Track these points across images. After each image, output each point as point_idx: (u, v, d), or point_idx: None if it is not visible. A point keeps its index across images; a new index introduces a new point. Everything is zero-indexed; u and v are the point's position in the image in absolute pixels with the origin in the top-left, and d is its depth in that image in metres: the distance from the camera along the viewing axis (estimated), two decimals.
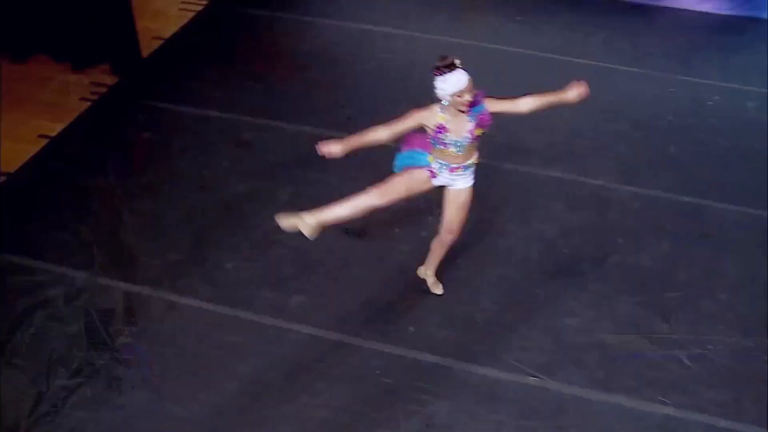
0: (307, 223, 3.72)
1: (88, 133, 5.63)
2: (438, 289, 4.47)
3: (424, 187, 3.95)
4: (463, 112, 3.68)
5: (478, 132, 3.78)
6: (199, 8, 7.41)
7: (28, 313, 4.13)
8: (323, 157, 3.81)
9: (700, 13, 7.80)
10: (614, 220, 5.11)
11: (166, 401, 3.78)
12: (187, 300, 4.35)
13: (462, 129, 3.72)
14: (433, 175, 3.90)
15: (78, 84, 6.01)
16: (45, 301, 4.21)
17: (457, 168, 3.85)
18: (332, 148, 3.77)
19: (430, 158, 3.87)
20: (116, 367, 3.92)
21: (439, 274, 4.47)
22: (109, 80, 6.21)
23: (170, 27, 7.05)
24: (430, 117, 3.72)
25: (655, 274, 4.69)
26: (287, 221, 3.74)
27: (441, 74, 3.59)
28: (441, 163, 3.85)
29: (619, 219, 5.12)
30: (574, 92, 3.84)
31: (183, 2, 7.49)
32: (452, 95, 3.61)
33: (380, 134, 3.76)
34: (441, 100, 3.69)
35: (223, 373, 3.95)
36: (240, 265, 4.62)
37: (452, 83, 3.58)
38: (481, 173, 4.00)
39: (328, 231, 4.51)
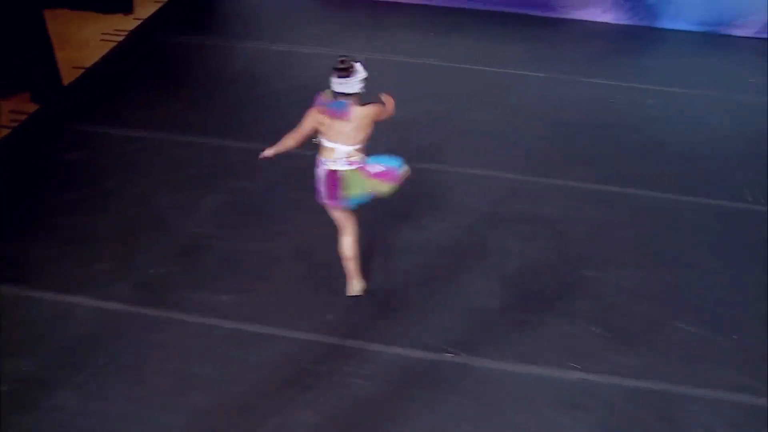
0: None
1: (12, 157, 5.63)
2: (361, 285, 4.62)
3: None
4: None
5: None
6: (121, 38, 7.50)
7: None
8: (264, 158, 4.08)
9: (602, 23, 8.30)
10: (527, 209, 5.37)
11: (95, 399, 3.81)
12: (113, 305, 4.38)
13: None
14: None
15: None
16: None
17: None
18: (266, 152, 4.07)
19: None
20: (45, 371, 3.94)
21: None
22: (30, 108, 6.22)
23: (92, 56, 7.11)
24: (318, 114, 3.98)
25: (568, 255, 4.94)
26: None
27: (348, 73, 3.85)
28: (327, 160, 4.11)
29: (532, 208, 5.39)
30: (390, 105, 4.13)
31: (104, 33, 7.57)
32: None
33: (289, 140, 4.05)
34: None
35: (152, 370, 4.00)
36: (168, 270, 4.69)
37: (361, 73, 3.89)
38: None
39: (252, 234, 4.72)
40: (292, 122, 4.05)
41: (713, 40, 8.00)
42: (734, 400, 4.00)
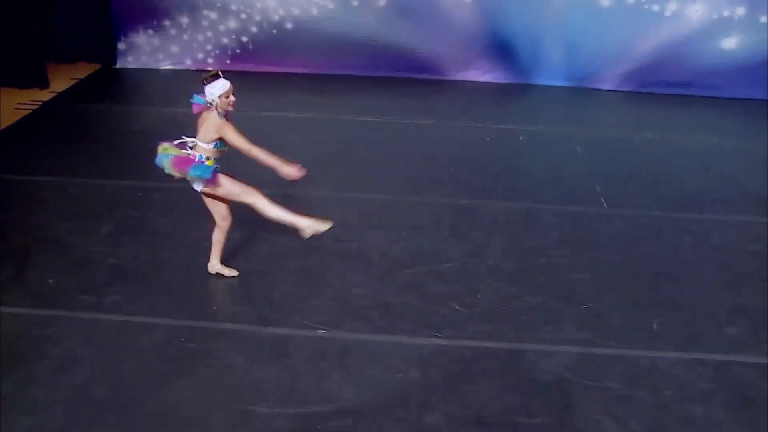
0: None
1: None
2: (232, 272, 5.08)
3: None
4: (230, 111, 4.53)
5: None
6: (34, 108, 8.04)
7: None
8: None
9: (483, 82, 9.24)
10: (399, 219, 5.93)
11: None
12: (9, 309, 4.68)
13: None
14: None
15: None
16: None
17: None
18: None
19: (209, 163, 4.68)
20: None
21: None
22: None
23: (5, 122, 7.59)
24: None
25: (431, 253, 5.49)
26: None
27: (208, 83, 4.45)
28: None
29: (404, 219, 5.95)
30: (288, 170, 4.70)
31: (20, 103, 8.10)
32: (220, 97, 4.45)
33: None
34: (213, 106, 4.52)
35: (36, 357, 4.29)
36: (62, 281, 5.03)
37: (219, 87, 4.44)
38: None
39: (141, 250, 5.13)
40: None
41: (580, 93, 8.96)
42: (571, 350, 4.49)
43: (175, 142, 4.69)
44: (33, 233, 5.62)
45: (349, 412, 3.99)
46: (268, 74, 9.23)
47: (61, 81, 8.79)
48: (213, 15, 9.16)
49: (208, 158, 4.66)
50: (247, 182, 4.81)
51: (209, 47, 9.32)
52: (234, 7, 9.14)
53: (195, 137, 4.68)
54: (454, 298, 5.00)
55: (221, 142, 4.64)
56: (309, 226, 4.75)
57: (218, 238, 4.98)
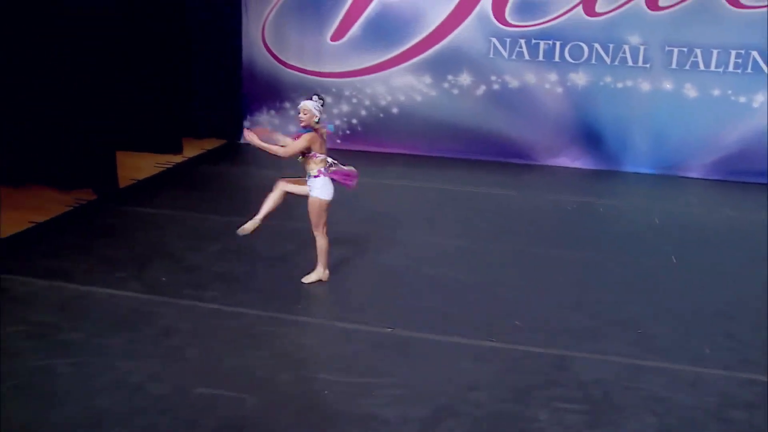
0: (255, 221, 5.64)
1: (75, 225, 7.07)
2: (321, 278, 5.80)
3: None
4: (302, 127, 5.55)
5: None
6: (169, 167, 9.28)
7: None
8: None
9: (573, 168, 9.77)
10: (474, 258, 6.47)
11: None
12: (127, 293, 5.54)
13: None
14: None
15: None
16: None
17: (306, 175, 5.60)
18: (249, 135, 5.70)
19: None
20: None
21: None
22: (91, 197, 7.79)
23: (145, 174, 8.82)
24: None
25: (499, 283, 5.97)
26: (247, 227, 5.67)
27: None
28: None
29: (479, 258, 6.48)
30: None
31: (157, 163, 9.37)
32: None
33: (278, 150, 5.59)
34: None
35: (144, 325, 5.06)
36: (172, 279, 5.85)
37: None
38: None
39: (241, 261, 5.92)
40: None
41: (666, 179, 9.30)
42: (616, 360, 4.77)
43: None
44: (154, 248, 6.53)
45: (400, 385, 4.44)
46: (374, 153, 10.14)
47: (192, 150, 10.08)
48: (328, 99, 10.30)
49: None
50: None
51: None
52: (347, 93, 10.27)
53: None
54: (513, 315, 5.39)
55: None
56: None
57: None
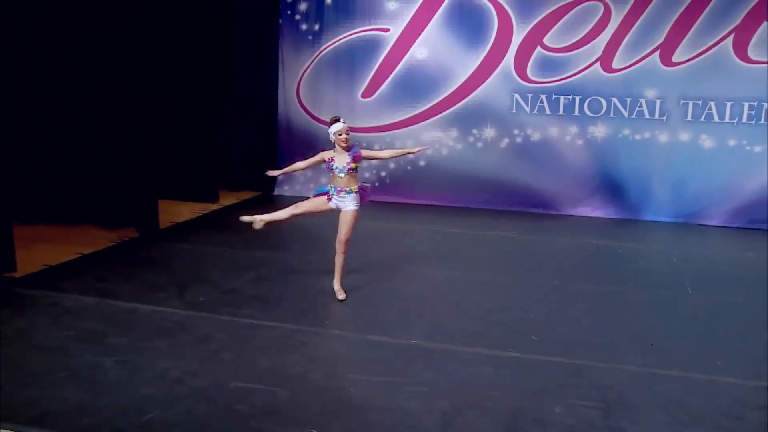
0: (259, 221, 5.95)
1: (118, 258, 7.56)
2: (342, 295, 6.12)
3: (324, 207, 6.14)
4: (343, 148, 5.86)
5: (354, 165, 5.95)
6: (205, 212, 9.80)
7: None
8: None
9: (594, 217, 10.07)
10: (493, 290, 6.75)
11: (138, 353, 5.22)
12: (168, 309, 5.92)
13: (342, 160, 5.94)
14: (329, 198, 5.95)
15: None
16: None
17: (342, 191, 5.95)
18: (274, 173, 6.24)
19: (329, 187, 5.94)
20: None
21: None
22: (133, 234, 8.30)
23: (182, 218, 9.34)
24: (325, 154, 5.99)
25: (519, 308, 6.22)
26: (247, 218, 5.95)
27: (330, 125, 5.84)
28: (333, 187, 5.94)
29: (499, 290, 6.76)
30: (417, 148, 6.41)
31: (194, 210, 9.90)
32: (334, 134, 5.83)
33: (299, 164, 5.89)
34: (332, 142, 5.90)
35: (182, 334, 5.41)
36: (210, 299, 6.23)
37: (335, 128, 5.85)
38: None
39: (274, 286, 6.29)
40: None
41: (686, 227, 9.55)
42: (630, 368, 4.99)
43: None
44: (193, 275, 6.94)
45: (423, 384, 4.71)
46: (402, 204, 10.56)
47: (228, 200, 10.61)
48: None
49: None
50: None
51: None
52: (377, 146, 10.74)
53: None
54: (531, 333, 5.65)
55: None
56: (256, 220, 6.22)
57: (338, 263, 6.18)
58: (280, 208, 6.41)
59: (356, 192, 6.05)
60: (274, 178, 11.13)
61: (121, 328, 5.51)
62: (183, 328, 5.57)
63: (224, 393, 4.52)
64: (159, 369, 4.82)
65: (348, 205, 6.06)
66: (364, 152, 6.08)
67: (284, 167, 6.58)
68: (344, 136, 5.93)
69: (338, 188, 6.03)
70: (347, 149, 5.97)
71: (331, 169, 6.02)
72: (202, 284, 6.65)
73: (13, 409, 4.24)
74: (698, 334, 5.72)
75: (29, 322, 5.60)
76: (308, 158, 6.22)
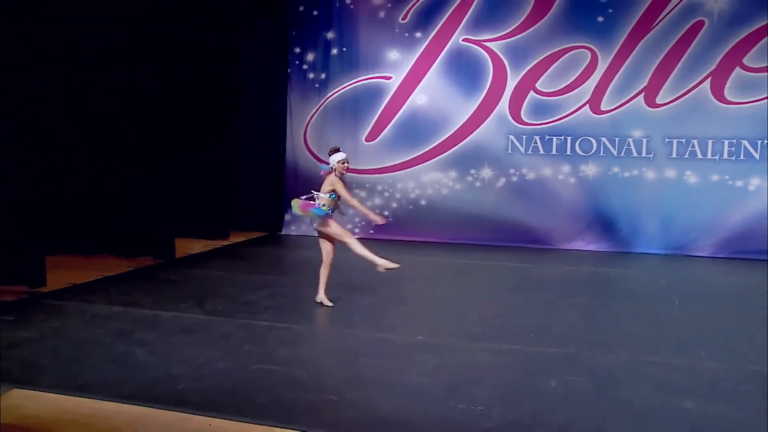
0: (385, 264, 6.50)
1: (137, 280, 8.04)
2: (328, 303, 6.66)
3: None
4: (344, 173, 6.50)
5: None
6: (215, 247, 10.30)
7: None
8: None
9: (587, 251, 10.57)
10: (489, 303, 7.21)
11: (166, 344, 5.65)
12: (188, 314, 6.36)
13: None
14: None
15: None
16: None
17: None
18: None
19: (324, 207, 6.50)
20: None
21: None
22: (151, 262, 8.79)
23: (194, 251, 9.84)
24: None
25: (507, 315, 6.67)
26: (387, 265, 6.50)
27: (331, 154, 6.42)
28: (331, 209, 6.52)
29: (494, 303, 7.21)
30: (375, 217, 6.84)
31: (205, 245, 10.40)
32: (338, 163, 6.46)
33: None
34: (333, 169, 6.47)
35: (203, 331, 5.84)
36: (228, 308, 6.69)
37: (337, 157, 6.42)
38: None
39: (286, 300, 6.74)
40: None
41: (676, 258, 10.03)
42: (620, 356, 5.41)
43: (304, 196, 6.52)
44: (211, 291, 7.40)
45: (429, 366, 5.14)
46: (404, 242, 11.05)
47: (237, 238, 11.13)
48: (362, 193, 11.40)
49: (323, 205, 6.43)
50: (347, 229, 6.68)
51: (357, 219, 11.42)
52: (380, 188, 11.37)
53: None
54: (528, 332, 6.09)
55: (334, 193, 6.43)
56: (382, 264, 6.43)
57: (324, 273, 6.62)
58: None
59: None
60: (282, 218, 11.70)
61: (148, 328, 5.95)
62: (205, 328, 6.00)
63: (248, 372, 4.93)
64: (186, 355, 5.24)
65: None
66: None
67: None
68: (347, 164, 6.72)
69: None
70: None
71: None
72: (220, 297, 7.09)
73: (57, 382, 4.65)
74: (683, 333, 6.15)
75: (62, 323, 6.03)
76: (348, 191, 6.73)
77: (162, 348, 5.41)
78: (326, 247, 6.71)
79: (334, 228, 6.55)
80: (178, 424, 4.14)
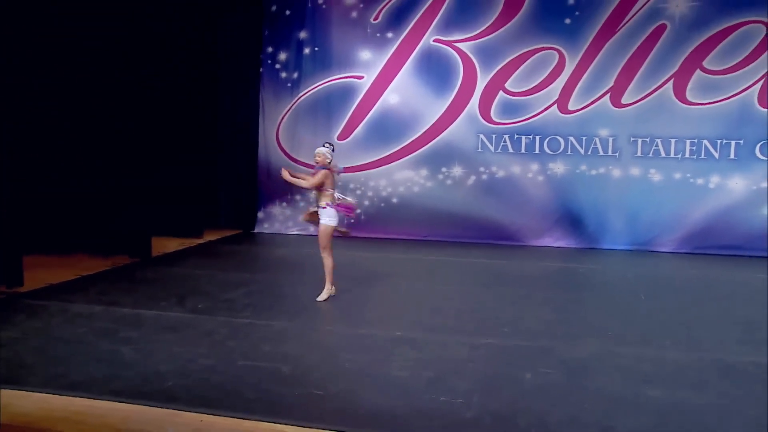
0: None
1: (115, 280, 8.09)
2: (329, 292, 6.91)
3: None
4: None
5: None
6: (191, 245, 10.37)
7: None
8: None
9: (556, 247, 10.85)
10: (464, 300, 7.43)
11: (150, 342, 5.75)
12: (171, 313, 6.47)
13: None
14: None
15: None
16: None
17: (320, 207, 6.81)
18: (285, 173, 6.91)
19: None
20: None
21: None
22: (128, 261, 8.84)
23: (170, 249, 9.90)
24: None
25: (482, 310, 6.89)
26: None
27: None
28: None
29: (469, 299, 7.44)
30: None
31: (181, 243, 10.46)
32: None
33: (304, 183, 6.83)
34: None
35: (187, 329, 5.96)
36: (209, 306, 6.79)
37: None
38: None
39: (264, 297, 6.88)
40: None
41: (641, 254, 10.36)
42: (592, 348, 5.67)
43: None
44: (190, 289, 7.49)
45: (409, 360, 5.32)
46: (377, 239, 11.23)
47: (212, 236, 11.21)
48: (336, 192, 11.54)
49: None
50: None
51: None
52: (352, 186, 11.51)
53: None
54: (502, 326, 6.31)
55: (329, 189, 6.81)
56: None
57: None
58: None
59: (323, 207, 6.85)
60: (256, 216, 11.80)
61: (131, 326, 6.04)
62: (187, 326, 6.11)
63: (233, 368, 5.07)
64: (172, 352, 5.36)
65: (323, 219, 6.85)
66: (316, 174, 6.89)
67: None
68: (316, 158, 6.85)
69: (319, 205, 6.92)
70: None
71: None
72: (199, 295, 7.20)
73: (46, 380, 4.74)
74: (649, 326, 6.43)
75: (45, 323, 6.09)
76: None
77: (147, 346, 5.51)
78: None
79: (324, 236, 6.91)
80: (169, 419, 4.26)
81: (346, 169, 11.44)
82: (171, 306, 6.75)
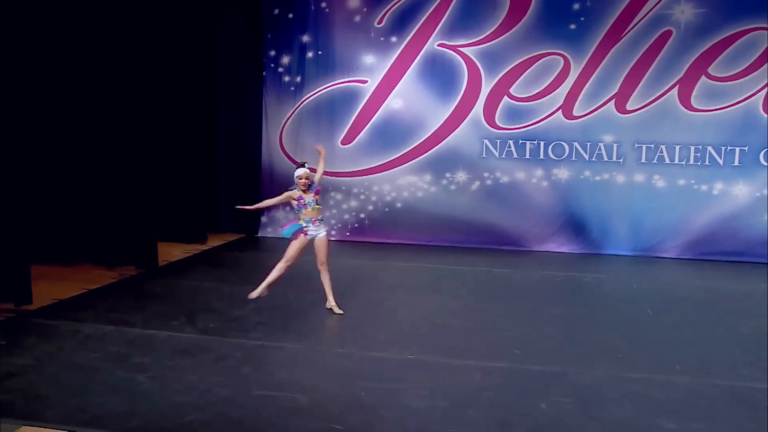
0: (262, 289, 7.11)
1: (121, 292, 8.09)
2: (339, 310, 6.99)
3: (305, 242, 7.01)
4: (302, 190, 6.89)
5: (317, 198, 6.98)
6: (196, 252, 10.36)
7: None
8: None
9: (560, 252, 10.89)
10: (469, 313, 7.47)
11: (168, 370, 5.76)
12: (182, 334, 6.48)
13: (309, 196, 6.94)
14: (305, 232, 6.93)
15: None
16: None
17: (315, 221, 6.96)
18: (245, 208, 7.14)
19: (300, 222, 6.85)
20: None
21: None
22: (134, 272, 8.83)
23: (176, 257, 9.89)
24: (293, 193, 6.96)
25: (478, 314, 6.93)
26: (255, 293, 7.00)
27: (295, 169, 6.84)
28: (306, 220, 6.88)
29: (473, 312, 7.47)
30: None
31: (186, 251, 10.44)
32: (297, 178, 6.86)
33: (268, 201, 7.11)
34: (294, 184, 6.93)
35: (201, 353, 5.97)
36: (220, 326, 6.80)
37: (298, 173, 6.86)
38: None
39: (274, 315, 6.90)
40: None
41: (644, 260, 10.41)
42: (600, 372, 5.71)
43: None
44: (200, 306, 7.48)
45: (424, 388, 5.36)
46: (380, 244, 11.25)
47: (215, 241, 11.20)
48: (339, 196, 11.56)
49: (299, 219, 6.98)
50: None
51: (333, 221, 11.57)
52: (355, 190, 11.52)
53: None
54: (513, 347, 6.35)
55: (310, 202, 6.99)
56: (256, 293, 7.16)
57: (324, 281, 7.16)
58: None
59: (322, 220, 7.11)
60: (259, 220, 11.79)
61: (143, 350, 6.05)
62: (200, 349, 6.13)
63: (250, 399, 5.09)
64: (187, 381, 5.37)
65: (321, 232, 7.10)
66: (318, 185, 7.20)
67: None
68: (304, 180, 6.99)
69: (312, 219, 7.05)
70: (308, 188, 6.96)
71: (303, 205, 7.02)
72: (210, 313, 7.20)
73: (65, 414, 4.75)
74: (658, 345, 6.48)
75: (57, 347, 6.09)
76: (275, 197, 7.29)
77: (162, 373, 5.53)
78: (318, 256, 7.17)
79: (291, 245, 7.12)
80: None
81: (350, 174, 11.54)
82: (182, 326, 6.75)
